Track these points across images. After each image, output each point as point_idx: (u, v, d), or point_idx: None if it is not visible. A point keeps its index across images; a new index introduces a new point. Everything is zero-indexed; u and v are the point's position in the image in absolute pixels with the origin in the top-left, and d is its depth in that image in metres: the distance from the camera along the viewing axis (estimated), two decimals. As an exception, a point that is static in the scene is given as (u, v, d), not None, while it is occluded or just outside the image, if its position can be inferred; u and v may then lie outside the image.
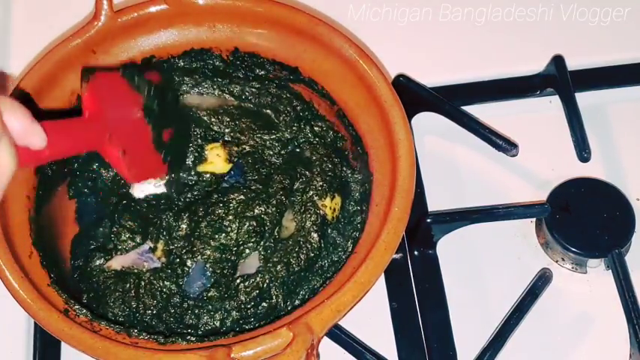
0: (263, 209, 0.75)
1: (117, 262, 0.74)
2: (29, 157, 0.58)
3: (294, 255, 0.73)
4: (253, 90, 0.80)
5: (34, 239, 0.70)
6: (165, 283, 0.73)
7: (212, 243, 0.74)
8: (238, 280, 0.73)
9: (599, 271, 0.77)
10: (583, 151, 0.79)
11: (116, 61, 0.76)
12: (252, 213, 0.75)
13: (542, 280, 0.75)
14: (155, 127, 0.69)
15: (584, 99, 0.83)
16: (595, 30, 0.90)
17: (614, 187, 0.79)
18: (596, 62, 0.87)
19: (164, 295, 0.73)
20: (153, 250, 0.75)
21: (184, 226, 0.75)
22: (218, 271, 0.73)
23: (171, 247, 0.75)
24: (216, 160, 0.79)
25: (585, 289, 0.77)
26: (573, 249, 0.76)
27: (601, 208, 0.78)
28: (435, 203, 0.80)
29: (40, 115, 0.59)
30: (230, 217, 0.75)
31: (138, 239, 0.75)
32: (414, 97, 0.83)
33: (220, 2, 0.76)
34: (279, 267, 0.73)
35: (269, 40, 0.77)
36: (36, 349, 0.74)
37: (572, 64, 0.85)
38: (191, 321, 0.72)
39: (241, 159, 0.78)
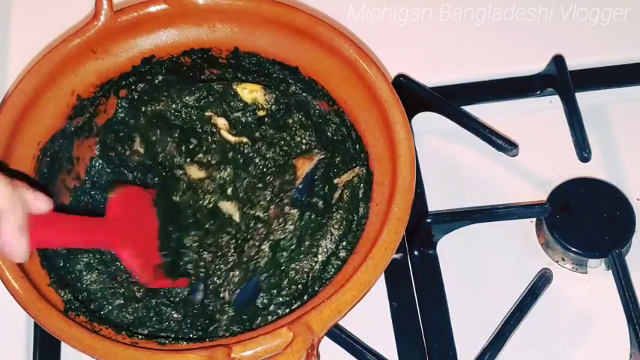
0: (308, 267, 0.73)
1: None
2: (38, 236, 0.61)
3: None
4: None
5: (34, 239, 0.70)
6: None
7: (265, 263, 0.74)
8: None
9: (599, 271, 0.77)
10: (583, 151, 0.79)
11: (116, 61, 0.77)
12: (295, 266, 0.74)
13: (543, 280, 0.75)
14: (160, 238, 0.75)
15: (584, 99, 0.83)
16: (595, 30, 0.90)
17: (614, 187, 0.79)
18: (596, 62, 0.87)
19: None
20: None
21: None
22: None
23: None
24: (246, 96, 0.79)
25: (585, 289, 0.77)
26: (573, 249, 0.76)
27: (601, 208, 0.78)
28: (435, 203, 0.80)
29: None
30: (291, 244, 0.74)
31: None
32: (414, 97, 0.83)
33: (220, 2, 0.76)
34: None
35: (269, 40, 0.77)
36: (36, 349, 0.74)
37: (572, 64, 0.85)
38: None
39: (315, 167, 0.76)
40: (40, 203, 0.61)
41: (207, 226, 0.76)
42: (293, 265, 0.73)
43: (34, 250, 0.62)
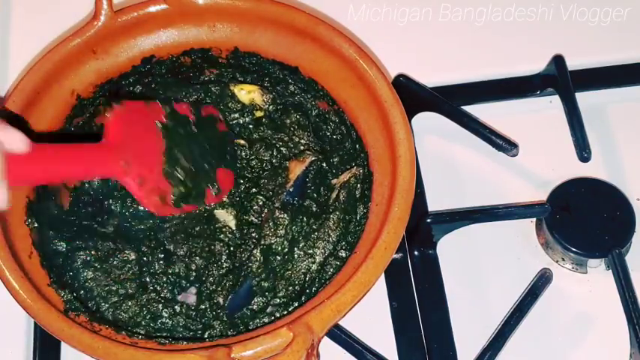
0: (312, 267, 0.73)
1: None
2: (23, 176, 0.57)
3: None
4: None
5: (34, 239, 0.70)
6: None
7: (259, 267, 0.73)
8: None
9: (599, 271, 0.77)
10: (583, 151, 0.79)
11: (116, 61, 0.77)
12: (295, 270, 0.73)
13: (543, 280, 0.75)
14: (169, 160, 0.69)
15: (584, 99, 0.83)
16: (595, 30, 0.90)
17: (614, 187, 0.79)
18: (596, 62, 0.87)
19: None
20: None
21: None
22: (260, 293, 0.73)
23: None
24: (244, 97, 0.78)
25: (585, 289, 0.77)
26: (573, 249, 0.76)
27: (601, 208, 0.78)
28: (435, 203, 0.80)
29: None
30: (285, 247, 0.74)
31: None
32: (414, 97, 0.83)
33: (220, 2, 0.76)
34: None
35: (269, 40, 0.77)
36: (36, 349, 0.74)
37: (572, 64, 0.85)
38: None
39: (306, 170, 0.76)
40: (16, 144, 0.55)
41: (201, 234, 0.75)
42: (288, 268, 0.73)
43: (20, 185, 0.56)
